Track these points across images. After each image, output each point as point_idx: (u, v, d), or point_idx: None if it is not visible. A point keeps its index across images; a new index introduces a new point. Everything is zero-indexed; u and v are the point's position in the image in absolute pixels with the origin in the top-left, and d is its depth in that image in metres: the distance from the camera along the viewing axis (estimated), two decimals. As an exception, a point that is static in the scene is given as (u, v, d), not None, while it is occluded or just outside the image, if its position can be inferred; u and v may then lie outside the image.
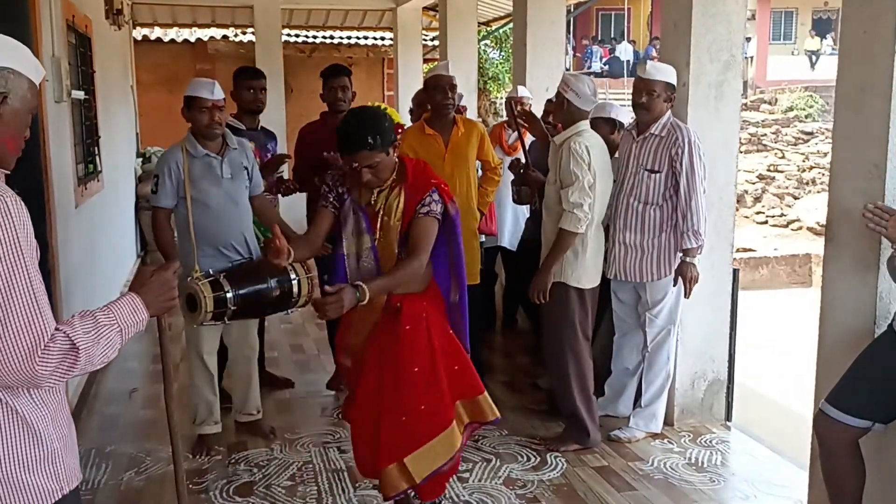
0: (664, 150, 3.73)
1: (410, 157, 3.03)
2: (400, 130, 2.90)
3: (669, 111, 3.80)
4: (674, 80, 3.78)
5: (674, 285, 3.83)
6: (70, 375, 1.59)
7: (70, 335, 1.57)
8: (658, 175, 3.75)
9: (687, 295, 3.82)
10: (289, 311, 3.76)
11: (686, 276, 3.76)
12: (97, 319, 1.63)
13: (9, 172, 1.67)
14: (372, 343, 2.98)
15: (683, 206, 3.71)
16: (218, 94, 3.71)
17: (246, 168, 3.86)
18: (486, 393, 3.08)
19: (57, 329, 1.57)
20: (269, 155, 4.60)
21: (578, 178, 3.66)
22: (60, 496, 1.68)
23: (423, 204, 2.83)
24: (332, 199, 2.96)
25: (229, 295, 3.35)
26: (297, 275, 3.56)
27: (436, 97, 4.27)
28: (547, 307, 3.86)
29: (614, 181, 3.92)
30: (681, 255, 3.78)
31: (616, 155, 4.26)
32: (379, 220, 2.88)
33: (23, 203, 1.58)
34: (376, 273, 2.88)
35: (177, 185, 3.68)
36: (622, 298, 4.10)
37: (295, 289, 3.56)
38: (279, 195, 4.63)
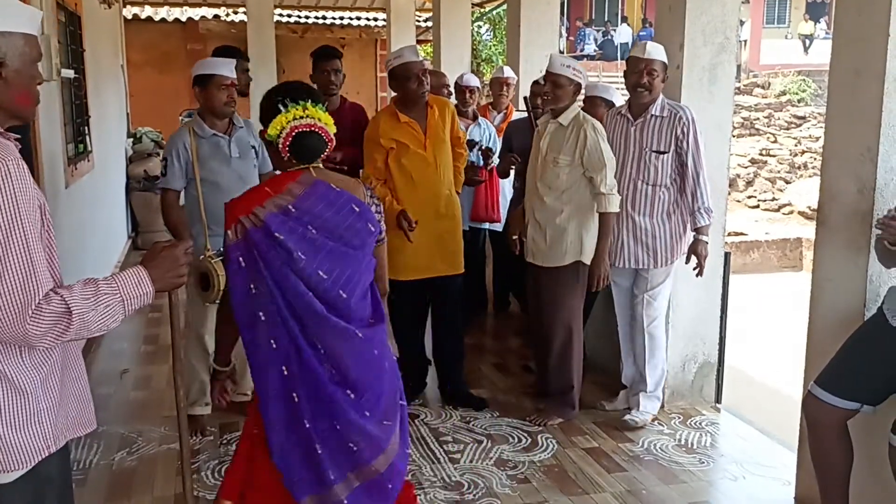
0: (668, 130, 3.71)
1: (288, 172, 2.26)
2: (263, 138, 2.27)
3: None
4: (667, 59, 3.74)
5: (686, 262, 3.81)
6: (64, 339, 1.61)
7: (66, 299, 1.59)
8: (665, 156, 3.73)
9: (700, 273, 3.79)
10: None
11: (701, 254, 3.74)
12: (99, 287, 1.65)
13: (20, 136, 1.71)
14: None
15: (692, 184, 3.71)
16: (232, 72, 3.74)
17: (253, 147, 3.87)
18: None
19: (55, 292, 1.59)
20: None
21: (611, 159, 3.73)
22: (47, 454, 1.71)
23: None
24: None
25: None
26: None
27: (409, 87, 3.90)
28: (551, 290, 3.88)
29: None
30: (693, 233, 3.78)
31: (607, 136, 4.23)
32: None
33: (26, 167, 1.61)
34: None
35: (185, 166, 3.70)
36: (622, 284, 4.03)
37: None
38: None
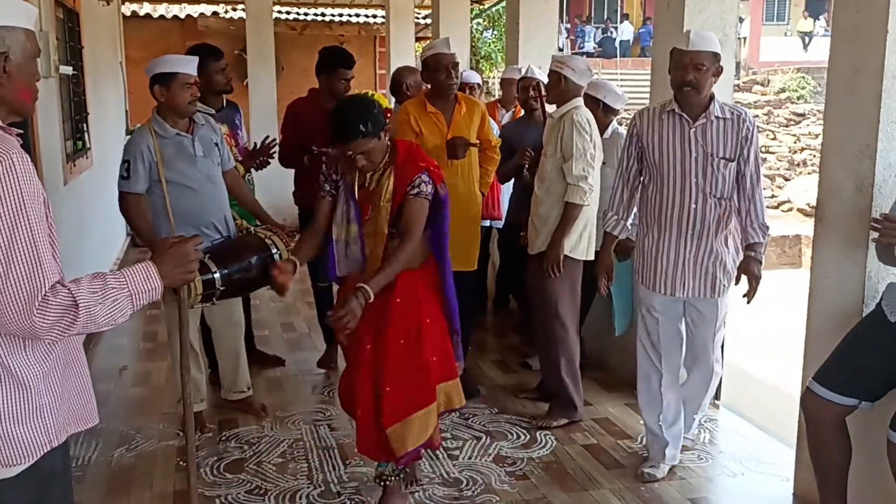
0: (733, 134, 3.16)
1: (402, 140, 3.13)
2: (388, 115, 2.95)
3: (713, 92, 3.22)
4: (719, 49, 3.16)
5: (735, 283, 3.23)
6: (71, 332, 1.62)
7: (73, 292, 1.60)
8: (733, 164, 3.17)
9: (751, 299, 3.14)
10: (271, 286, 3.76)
11: (754, 273, 3.12)
12: (107, 281, 1.66)
13: (22, 132, 1.72)
14: (365, 317, 2.88)
15: (748, 197, 3.19)
16: (195, 70, 3.67)
17: (216, 144, 3.81)
18: (458, 378, 3.14)
19: (62, 285, 1.60)
20: (238, 131, 4.55)
21: (582, 151, 3.69)
22: (49, 448, 1.72)
23: (413, 185, 2.91)
24: (328, 188, 3.06)
25: (217, 276, 3.33)
26: (278, 249, 3.58)
27: (438, 78, 4.07)
28: (536, 278, 3.88)
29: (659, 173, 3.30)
30: (744, 251, 3.23)
31: (636, 139, 3.34)
32: (371, 201, 2.97)
33: (30, 160, 1.62)
34: (361, 259, 3.00)
35: (149, 168, 3.58)
36: (665, 314, 3.38)
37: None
38: (252, 170, 4.57)
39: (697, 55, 3.07)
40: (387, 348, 2.97)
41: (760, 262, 3.14)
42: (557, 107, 3.89)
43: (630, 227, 3.59)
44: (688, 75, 3.09)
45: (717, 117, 3.18)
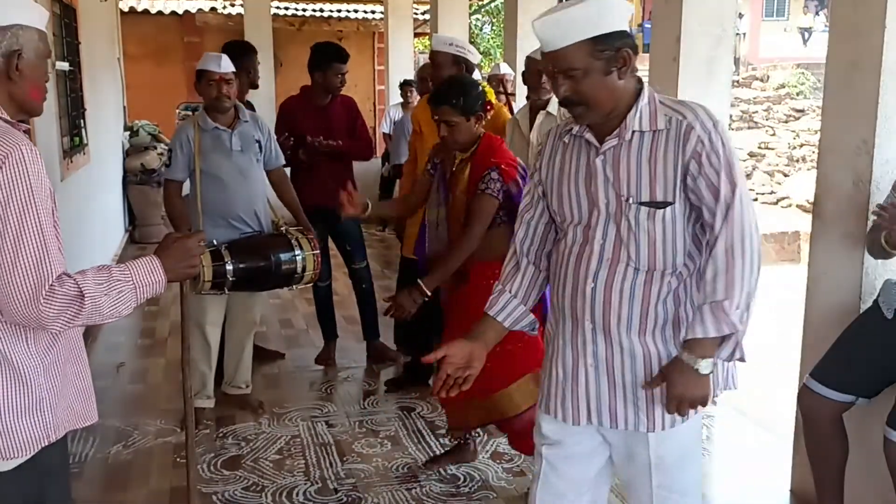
0: (670, 156, 1.80)
1: (490, 134, 3.12)
2: (490, 107, 3.07)
3: (641, 86, 1.86)
4: (609, 28, 1.76)
5: (669, 410, 1.85)
6: (76, 323, 1.63)
7: (80, 283, 1.61)
8: (670, 211, 1.82)
9: (678, 417, 1.87)
10: (292, 287, 3.78)
11: (679, 395, 1.82)
12: (112, 273, 1.68)
13: (29, 127, 1.75)
14: (450, 311, 3.18)
15: (722, 257, 1.76)
16: (226, 67, 3.75)
17: (258, 141, 3.89)
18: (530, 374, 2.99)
19: (68, 276, 1.62)
20: None
21: None
22: (47, 443, 1.72)
23: (483, 181, 2.96)
24: (430, 169, 3.27)
25: (229, 266, 3.43)
26: (302, 251, 3.60)
27: (436, 74, 4.08)
28: None
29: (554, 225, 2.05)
30: (682, 348, 1.82)
31: (537, 173, 2.08)
32: (454, 187, 3.13)
33: (38, 152, 1.64)
34: (447, 241, 3.13)
35: (188, 157, 3.77)
36: (559, 462, 2.03)
37: (299, 266, 3.63)
38: None
39: (557, 58, 1.80)
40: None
41: (701, 374, 1.79)
42: (543, 101, 3.72)
43: (528, 319, 2.10)
44: (558, 90, 1.84)
45: (639, 132, 1.84)
